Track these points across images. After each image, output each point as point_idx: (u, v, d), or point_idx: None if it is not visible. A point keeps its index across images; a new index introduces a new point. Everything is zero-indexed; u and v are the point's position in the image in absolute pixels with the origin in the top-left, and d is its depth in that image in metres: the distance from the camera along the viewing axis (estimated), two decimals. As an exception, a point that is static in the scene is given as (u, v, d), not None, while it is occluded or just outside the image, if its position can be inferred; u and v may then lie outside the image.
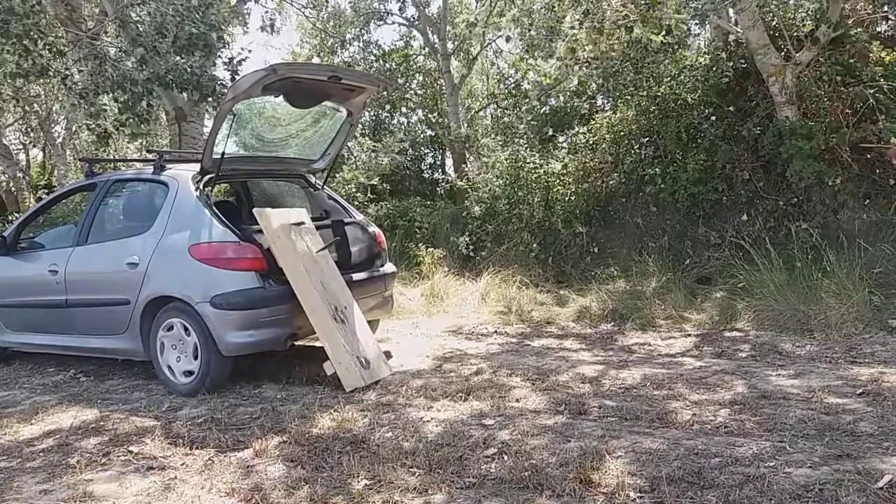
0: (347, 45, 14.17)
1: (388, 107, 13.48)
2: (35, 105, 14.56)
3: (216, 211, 4.35)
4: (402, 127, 13.45)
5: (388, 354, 4.68)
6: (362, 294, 4.74)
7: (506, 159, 8.52)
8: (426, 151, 13.35)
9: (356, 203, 9.04)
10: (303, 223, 4.58)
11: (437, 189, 10.92)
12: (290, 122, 5.21)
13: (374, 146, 10.70)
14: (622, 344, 5.14)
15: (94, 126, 8.04)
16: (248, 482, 2.84)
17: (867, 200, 6.26)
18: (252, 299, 4.09)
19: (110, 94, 7.46)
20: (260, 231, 4.31)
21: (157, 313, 4.33)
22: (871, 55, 6.57)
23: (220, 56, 7.89)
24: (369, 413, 3.61)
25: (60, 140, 16.19)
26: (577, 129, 8.52)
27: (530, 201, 8.13)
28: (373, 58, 13.74)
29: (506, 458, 2.89)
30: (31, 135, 17.27)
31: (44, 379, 4.97)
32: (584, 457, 2.81)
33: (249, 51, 13.81)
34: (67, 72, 7.64)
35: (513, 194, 8.29)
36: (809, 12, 7.02)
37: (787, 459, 2.68)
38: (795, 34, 6.78)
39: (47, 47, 7.25)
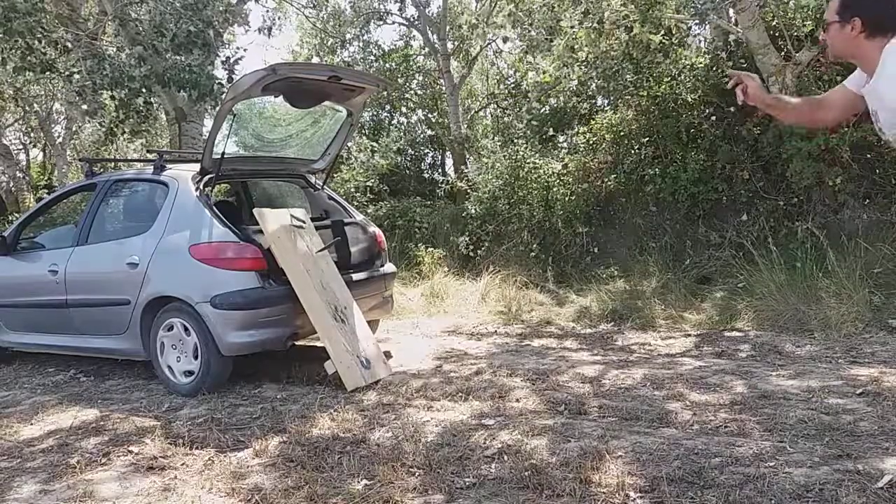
0: (347, 45, 14.17)
1: (388, 107, 13.49)
2: (35, 105, 14.56)
3: (216, 211, 4.35)
4: (402, 127, 13.45)
5: (388, 354, 4.68)
6: (362, 294, 4.74)
7: (505, 158, 8.53)
8: (426, 151, 13.36)
9: (356, 203, 9.04)
10: (303, 223, 4.58)
11: (437, 189, 10.92)
12: (290, 122, 5.21)
13: (371, 146, 10.71)
14: (622, 344, 5.14)
15: (99, 123, 8.05)
16: (249, 482, 2.84)
17: (867, 200, 6.27)
18: (252, 299, 4.09)
19: (108, 92, 7.46)
20: (260, 231, 4.31)
21: (157, 313, 4.33)
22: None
23: (218, 55, 7.89)
24: (369, 413, 3.61)
25: (60, 140, 16.18)
26: (577, 129, 8.52)
27: (530, 201, 8.13)
28: (373, 58, 13.73)
29: (506, 458, 2.89)
30: (32, 135, 17.28)
31: (44, 379, 4.97)
32: (584, 457, 2.81)
33: (245, 50, 13.81)
34: (74, 68, 7.63)
35: (513, 194, 8.29)
36: (809, 12, 7.02)
37: (787, 459, 2.68)
38: (795, 34, 6.78)
39: (51, 44, 7.25)
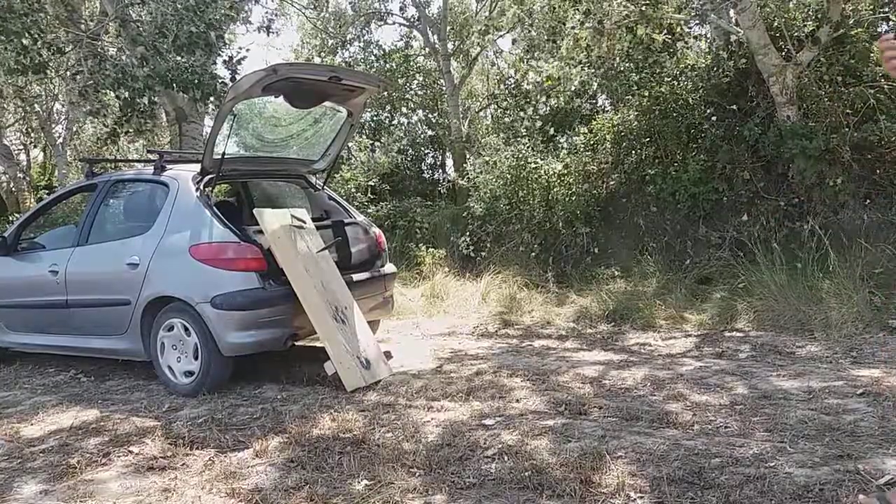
0: (348, 46, 14.18)
1: (388, 107, 13.49)
2: (36, 105, 14.56)
3: (216, 211, 4.35)
4: (403, 127, 13.46)
5: (388, 355, 4.68)
6: (362, 294, 4.74)
7: (506, 158, 8.53)
8: (426, 151, 13.36)
9: (356, 203, 9.04)
10: (303, 223, 4.58)
11: (438, 189, 10.92)
12: (291, 122, 5.21)
13: (372, 145, 10.71)
14: (622, 344, 5.13)
15: (101, 125, 8.06)
16: (249, 483, 2.84)
17: (868, 200, 6.26)
18: (252, 300, 4.08)
19: (112, 92, 7.46)
20: (260, 231, 4.31)
21: (157, 314, 4.33)
22: (872, 55, 6.58)
23: (220, 55, 7.89)
24: (369, 413, 3.61)
25: (61, 140, 16.18)
26: (578, 129, 8.52)
27: (531, 201, 8.13)
28: (373, 58, 13.75)
29: (506, 458, 2.89)
30: (32, 135, 17.28)
31: (44, 379, 4.97)
32: (584, 457, 2.81)
33: (248, 50, 13.84)
34: (80, 67, 7.62)
35: (513, 194, 8.29)
36: (810, 12, 7.02)
37: (787, 460, 2.68)
38: (796, 34, 6.78)
39: (46, 45, 7.24)
